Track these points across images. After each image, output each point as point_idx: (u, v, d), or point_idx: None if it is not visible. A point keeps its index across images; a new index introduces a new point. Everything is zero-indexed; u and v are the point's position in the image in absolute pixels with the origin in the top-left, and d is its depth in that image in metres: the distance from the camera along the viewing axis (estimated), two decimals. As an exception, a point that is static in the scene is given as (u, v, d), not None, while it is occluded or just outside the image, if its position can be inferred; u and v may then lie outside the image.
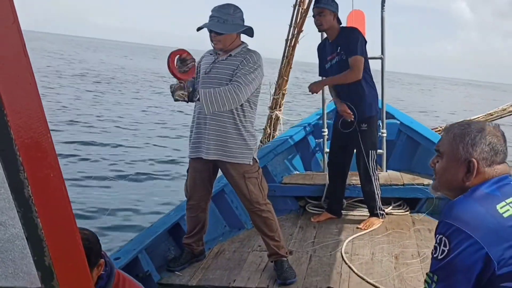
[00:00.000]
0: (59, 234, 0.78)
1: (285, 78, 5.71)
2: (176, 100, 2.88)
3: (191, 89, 2.85)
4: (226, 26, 2.93)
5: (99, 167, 9.18)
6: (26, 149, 0.71)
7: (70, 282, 0.80)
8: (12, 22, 0.69)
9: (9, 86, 0.68)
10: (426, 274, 1.49)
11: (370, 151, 4.03)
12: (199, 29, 2.98)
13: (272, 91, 5.62)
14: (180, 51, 2.89)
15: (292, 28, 5.53)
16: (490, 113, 6.20)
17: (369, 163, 4.03)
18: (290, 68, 5.77)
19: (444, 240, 1.41)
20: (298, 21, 5.46)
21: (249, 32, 3.09)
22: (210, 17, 2.96)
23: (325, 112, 5.04)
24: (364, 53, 3.89)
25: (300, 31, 5.46)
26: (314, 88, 4.07)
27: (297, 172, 5.16)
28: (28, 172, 0.71)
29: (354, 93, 3.94)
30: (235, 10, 2.97)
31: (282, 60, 5.67)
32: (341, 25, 3.99)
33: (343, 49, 3.87)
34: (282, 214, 4.35)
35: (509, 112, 6.13)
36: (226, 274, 3.28)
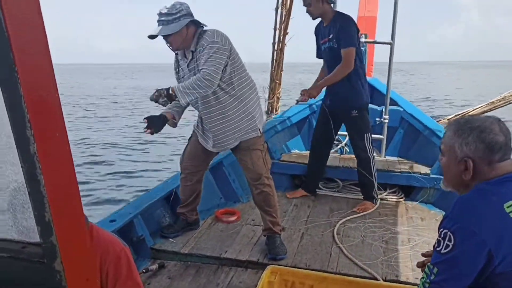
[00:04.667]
0: (60, 192, 0.80)
1: (277, 81, 5.71)
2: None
3: (165, 92, 2.85)
4: (169, 26, 2.87)
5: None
6: (35, 107, 0.72)
7: (68, 238, 0.83)
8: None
9: (21, 45, 0.69)
10: (427, 265, 1.51)
11: (365, 134, 4.07)
12: (152, 37, 2.92)
13: (266, 96, 5.62)
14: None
15: (277, 31, 5.53)
16: (492, 102, 6.14)
17: (366, 145, 4.08)
18: (281, 71, 5.76)
19: (449, 235, 1.42)
20: (282, 23, 5.46)
21: (196, 23, 2.99)
22: (157, 21, 2.91)
23: (329, 93, 5.03)
24: (356, 43, 3.87)
25: (285, 33, 5.45)
26: (314, 93, 4.02)
27: (296, 151, 5.19)
28: (35, 130, 0.73)
29: (344, 82, 3.93)
30: (175, 7, 2.89)
31: (272, 63, 5.64)
32: (336, 10, 3.97)
33: (334, 37, 3.85)
34: (278, 191, 4.39)
35: (509, 101, 6.05)
36: (218, 245, 3.34)
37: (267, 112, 5.85)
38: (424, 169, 4.52)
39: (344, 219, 3.87)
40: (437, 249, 1.46)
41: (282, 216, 3.82)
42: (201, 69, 2.88)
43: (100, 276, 1.68)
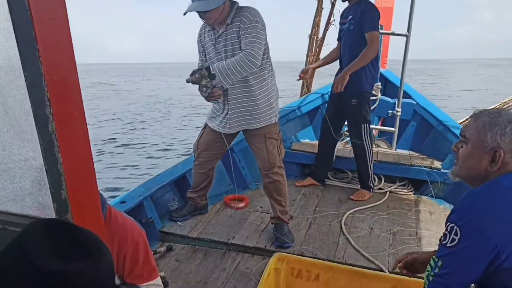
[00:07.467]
0: (77, 171, 0.81)
1: (309, 90, 5.73)
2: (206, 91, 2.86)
3: (206, 73, 2.79)
4: (209, 1, 2.79)
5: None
6: (54, 86, 0.73)
7: (83, 216, 0.84)
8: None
9: (43, 23, 0.70)
10: (432, 258, 1.50)
11: (363, 125, 4.07)
12: (185, 13, 2.87)
13: None
14: None
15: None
16: (505, 102, 6.07)
17: (362, 136, 4.09)
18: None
19: (456, 229, 1.41)
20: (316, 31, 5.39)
21: None
22: None
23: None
24: (378, 28, 3.86)
25: (322, 43, 5.39)
26: (342, 82, 3.87)
27: (307, 140, 5.18)
28: (54, 108, 0.74)
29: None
30: None
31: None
32: None
33: (353, 19, 3.88)
34: (287, 180, 4.40)
35: None
36: (226, 231, 3.37)
37: None
38: (436, 164, 4.50)
39: (352, 210, 3.87)
40: (443, 242, 1.45)
41: (290, 205, 3.83)
42: (245, 49, 2.83)
43: (118, 260, 1.71)
